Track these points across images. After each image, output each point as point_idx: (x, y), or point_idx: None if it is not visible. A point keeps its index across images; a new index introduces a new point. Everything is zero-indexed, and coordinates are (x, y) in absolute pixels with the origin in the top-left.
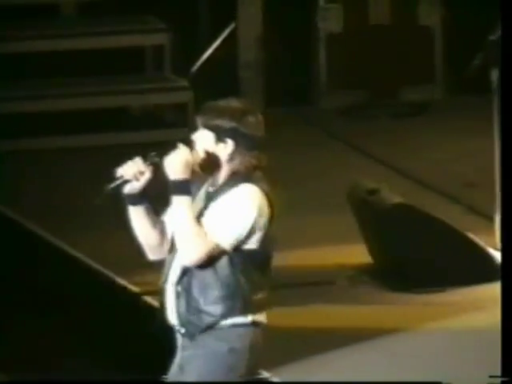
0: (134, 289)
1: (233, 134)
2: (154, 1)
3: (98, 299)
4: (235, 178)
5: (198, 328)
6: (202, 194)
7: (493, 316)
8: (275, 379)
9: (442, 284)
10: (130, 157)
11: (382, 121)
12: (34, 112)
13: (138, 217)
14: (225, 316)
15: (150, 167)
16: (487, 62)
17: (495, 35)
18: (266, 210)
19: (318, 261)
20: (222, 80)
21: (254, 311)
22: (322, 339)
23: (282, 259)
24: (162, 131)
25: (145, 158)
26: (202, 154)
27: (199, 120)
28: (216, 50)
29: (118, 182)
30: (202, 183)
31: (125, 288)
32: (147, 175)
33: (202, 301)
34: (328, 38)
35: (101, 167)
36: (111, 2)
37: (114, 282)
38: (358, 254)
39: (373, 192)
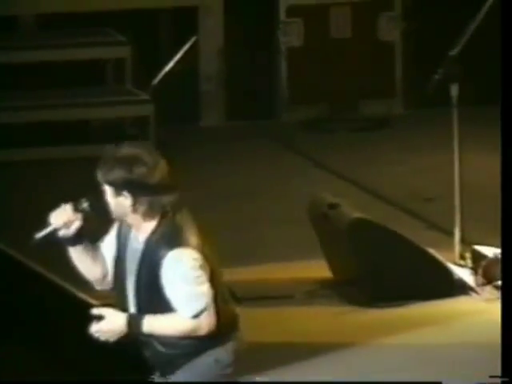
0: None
1: (127, 185)
2: (114, 14)
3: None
4: (162, 233)
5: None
6: (135, 243)
7: (452, 331)
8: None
9: (402, 298)
10: (90, 170)
11: (343, 135)
12: None
13: (77, 256)
14: (202, 347)
15: (80, 214)
16: (447, 78)
17: (455, 51)
18: (203, 265)
19: (277, 275)
20: (183, 93)
21: (232, 328)
22: (279, 354)
23: (240, 273)
24: (123, 144)
25: (76, 205)
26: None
27: (98, 175)
28: (177, 62)
29: (46, 231)
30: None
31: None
32: (77, 223)
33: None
34: (289, 52)
35: (60, 180)
36: (71, 15)
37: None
38: (318, 268)
39: (333, 206)
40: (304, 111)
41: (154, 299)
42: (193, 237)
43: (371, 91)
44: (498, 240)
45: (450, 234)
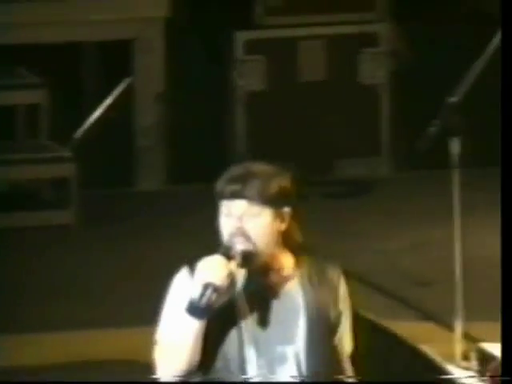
0: None
1: (290, 201)
2: (26, 50)
3: None
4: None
5: None
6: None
7: None
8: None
9: None
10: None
11: (314, 201)
12: None
13: (197, 333)
14: None
15: (240, 263)
16: (446, 131)
17: (456, 97)
18: None
19: None
20: (113, 150)
21: None
22: None
23: None
24: (36, 214)
25: (225, 253)
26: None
27: (243, 195)
28: (106, 111)
29: (208, 294)
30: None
31: None
32: (236, 277)
33: None
34: (248, 98)
35: None
36: None
37: None
38: None
39: None
40: None
41: (328, 350)
42: None
43: (350, 148)
44: None
45: (450, 327)
